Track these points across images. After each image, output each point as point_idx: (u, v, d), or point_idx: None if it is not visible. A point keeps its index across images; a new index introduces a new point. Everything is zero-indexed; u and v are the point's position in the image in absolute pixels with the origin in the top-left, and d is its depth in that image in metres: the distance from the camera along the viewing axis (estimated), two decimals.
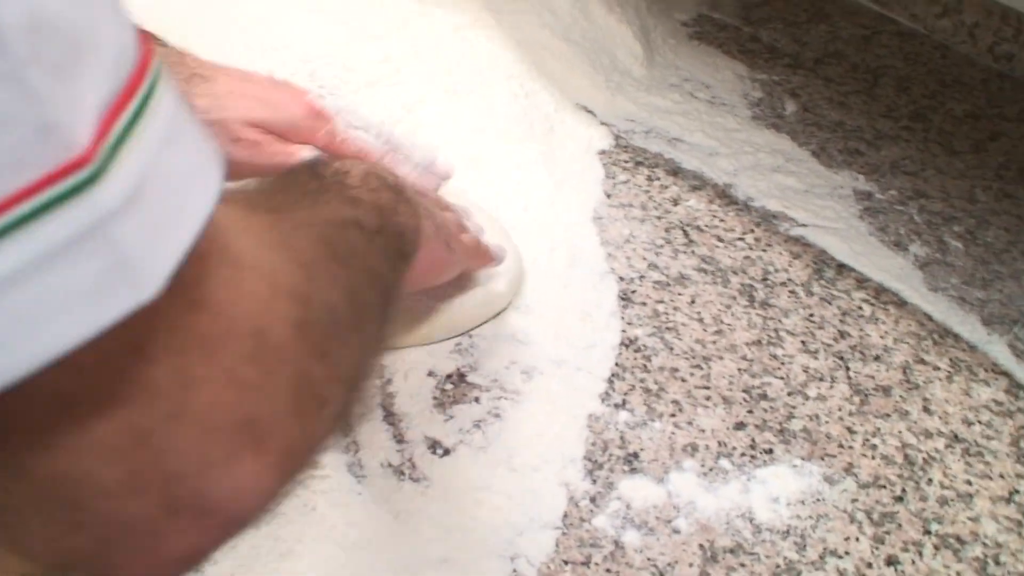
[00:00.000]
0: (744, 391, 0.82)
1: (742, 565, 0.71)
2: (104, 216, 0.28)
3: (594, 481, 0.75)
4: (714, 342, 0.86)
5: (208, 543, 0.37)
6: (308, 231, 0.45)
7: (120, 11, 0.31)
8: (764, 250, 0.94)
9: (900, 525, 0.74)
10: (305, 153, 0.79)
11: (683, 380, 0.83)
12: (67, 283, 0.28)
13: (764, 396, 0.82)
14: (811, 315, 0.89)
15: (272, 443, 0.36)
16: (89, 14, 0.29)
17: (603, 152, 1.04)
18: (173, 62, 0.80)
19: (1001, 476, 0.78)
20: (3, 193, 0.26)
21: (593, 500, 0.74)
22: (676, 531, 0.73)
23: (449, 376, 0.82)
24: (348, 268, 0.46)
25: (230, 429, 0.34)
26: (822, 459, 0.78)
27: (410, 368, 0.82)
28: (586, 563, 0.71)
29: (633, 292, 0.90)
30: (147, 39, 0.32)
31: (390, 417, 0.79)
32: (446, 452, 0.76)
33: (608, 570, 0.70)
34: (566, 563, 0.70)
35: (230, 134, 0.78)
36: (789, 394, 0.82)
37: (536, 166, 1.01)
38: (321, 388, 0.39)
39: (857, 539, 0.73)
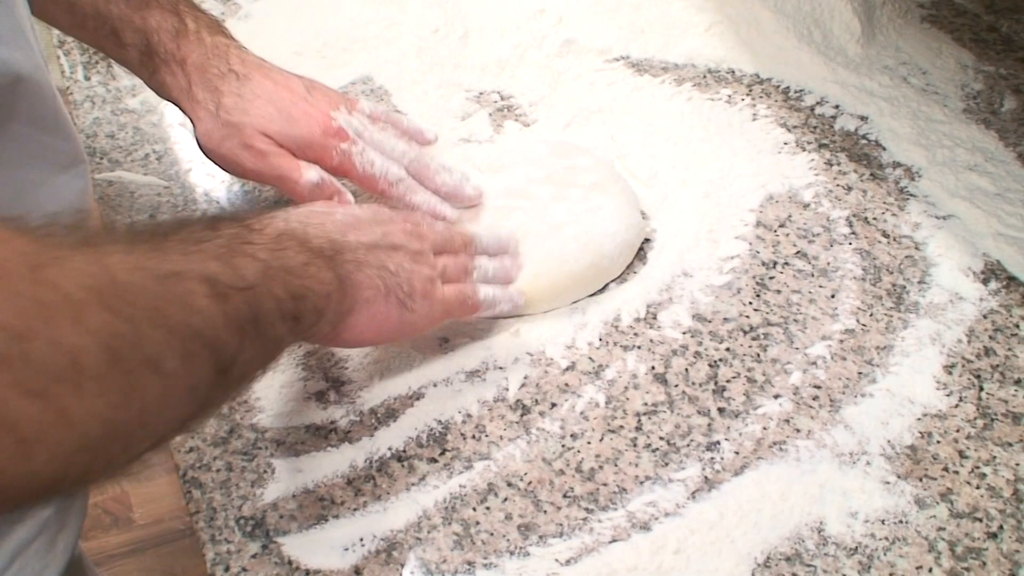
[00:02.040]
0: (859, 396, 0.77)
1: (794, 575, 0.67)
2: None
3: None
4: (841, 342, 0.81)
5: None
6: (96, 274, 0.45)
7: None
8: (930, 251, 0.88)
9: (984, 563, 0.68)
10: (310, 175, 0.82)
11: (793, 375, 0.79)
12: None
13: (879, 405, 0.77)
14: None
15: None
16: None
17: (788, 128, 1.00)
18: (217, 55, 0.84)
19: None
20: None
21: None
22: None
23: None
24: (119, 317, 0.45)
25: None
26: (920, 480, 0.72)
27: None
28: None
29: (771, 279, 0.86)
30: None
31: None
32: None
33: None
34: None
35: (242, 139, 0.81)
36: None
37: (714, 137, 0.98)
38: (24, 425, 0.40)
39: (931, 570, 0.67)
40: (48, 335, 0.41)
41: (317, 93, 0.85)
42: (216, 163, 0.85)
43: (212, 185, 0.97)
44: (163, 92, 0.86)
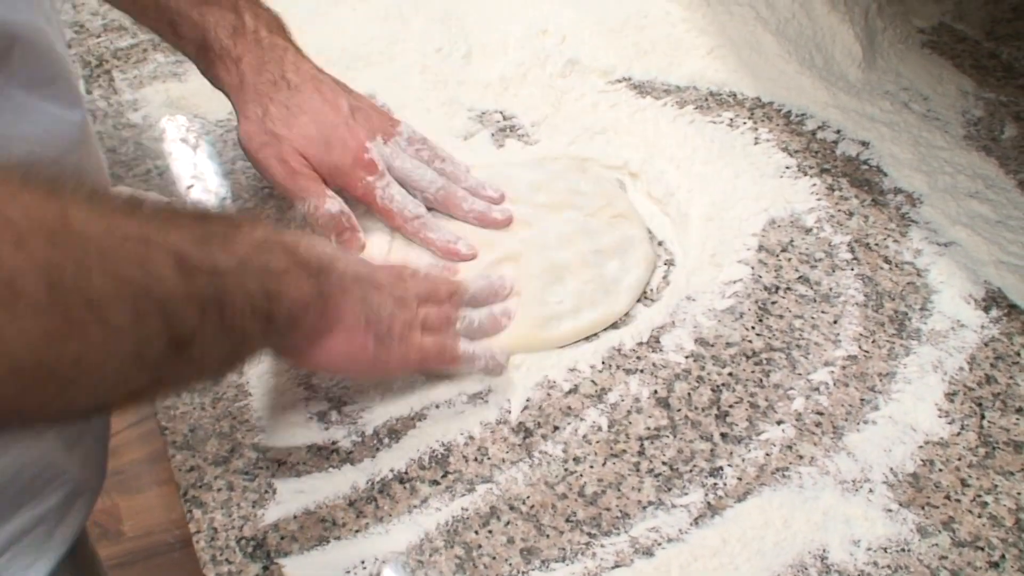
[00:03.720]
0: (861, 423, 0.77)
1: None
2: None
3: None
4: (844, 368, 0.81)
5: None
6: (49, 213, 0.45)
7: None
8: (931, 278, 0.88)
9: None
10: (331, 206, 0.84)
11: (795, 401, 0.79)
12: None
13: (882, 432, 0.77)
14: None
15: None
16: None
17: (790, 153, 1.00)
18: (273, 58, 0.86)
19: None
20: None
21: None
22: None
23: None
24: (65, 256, 0.45)
25: None
26: (922, 508, 0.72)
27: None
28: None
29: (773, 303, 0.86)
30: None
31: None
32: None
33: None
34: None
35: (280, 152, 0.85)
36: None
37: (716, 160, 0.99)
38: None
39: None
40: None
41: (360, 116, 0.87)
42: (251, 163, 0.88)
43: (214, 203, 0.96)
44: (216, 84, 0.89)
